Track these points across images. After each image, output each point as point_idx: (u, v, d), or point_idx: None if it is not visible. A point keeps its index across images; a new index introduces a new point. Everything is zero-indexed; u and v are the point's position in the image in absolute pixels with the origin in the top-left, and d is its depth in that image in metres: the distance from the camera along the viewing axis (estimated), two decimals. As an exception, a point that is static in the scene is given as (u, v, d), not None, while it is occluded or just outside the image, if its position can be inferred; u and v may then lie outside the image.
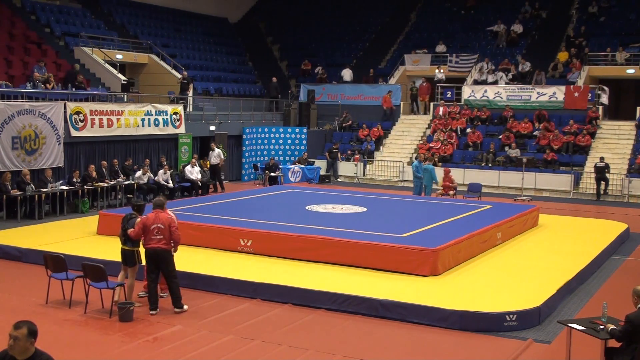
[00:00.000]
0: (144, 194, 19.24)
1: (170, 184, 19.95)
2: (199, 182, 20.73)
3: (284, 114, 28.88)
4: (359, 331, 8.98)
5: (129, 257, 9.74)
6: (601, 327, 7.11)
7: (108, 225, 13.48)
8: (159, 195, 13.20)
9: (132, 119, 20.60)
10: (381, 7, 36.13)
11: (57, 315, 9.39)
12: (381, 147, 27.30)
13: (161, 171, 19.97)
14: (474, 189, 20.23)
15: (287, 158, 26.63)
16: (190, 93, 25.68)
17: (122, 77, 23.64)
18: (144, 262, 9.74)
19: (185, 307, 9.59)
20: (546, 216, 17.18)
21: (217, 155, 22.37)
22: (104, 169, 19.08)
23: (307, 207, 15.65)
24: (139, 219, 9.64)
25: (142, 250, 9.73)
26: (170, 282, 9.56)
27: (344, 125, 28.94)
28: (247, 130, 25.90)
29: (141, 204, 10.16)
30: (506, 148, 24.69)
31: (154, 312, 9.49)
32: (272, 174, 24.27)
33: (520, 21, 31.49)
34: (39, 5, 25.57)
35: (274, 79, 30.10)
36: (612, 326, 6.90)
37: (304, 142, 27.13)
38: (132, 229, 9.55)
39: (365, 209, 15.57)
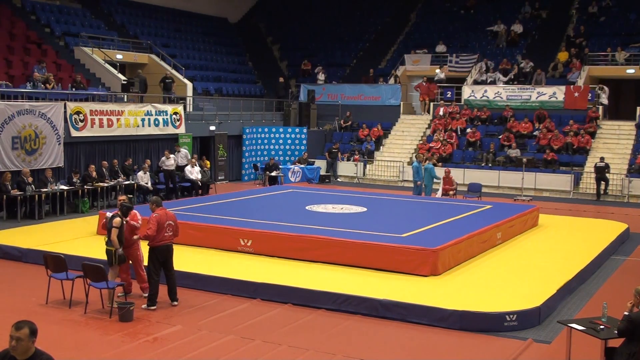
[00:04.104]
0: (143, 194, 19.25)
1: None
2: (199, 182, 20.72)
3: (284, 114, 28.88)
4: (359, 331, 8.98)
5: (108, 257, 9.84)
6: (601, 327, 7.11)
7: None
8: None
9: (132, 119, 20.61)
10: (381, 7, 36.13)
11: (57, 315, 9.40)
12: (381, 147, 27.30)
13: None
14: (474, 189, 20.23)
15: (287, 158, 26.63)
16: (190, 92, 25.70)
17: (122, 77, 23.64)
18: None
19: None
20: (546, 216, 17.18)
21: (184, 156, 21.27)
22: (104, 169, 19.07)
23: (307, 207, 15.65)
24: (115, 219, 9.79)
25: (122, 249, 9.88)
26: (172, 275, 9.85)
27: (344, 125, 28.95)
28: (247, 130, 25.90)
29: (129, 207, 10.10)
30: (506, 148, 24.69)
31: (153, 307, 9.62)
32: (272, 174, 24.27)
33: (520, 21, 31.47)
34: (39, 5, 25.57)
35: (281, 79, 30.13)
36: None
37: (304, 142, 27.13)
38: (149, 229, 9.60)
39: (365, 209, 15.57)
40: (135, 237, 9.97)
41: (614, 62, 27.20)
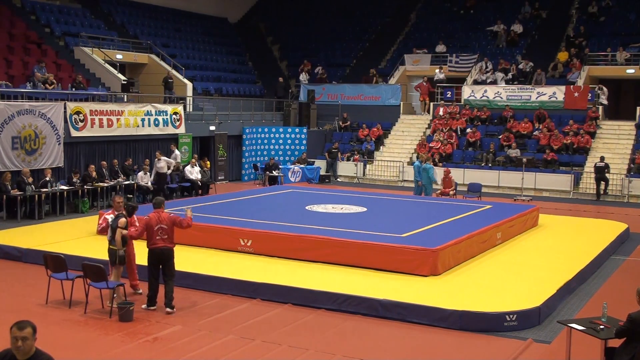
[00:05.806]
0: (143, 194, 19.24)
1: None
2: (199, 182, 20.71)
3: (284, 114, 28.89)
4: (359, 331, 8.98)
5: (111, 256, 9.82)
6: (601, 327, 7.11)
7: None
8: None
9: (132, 119, 20.61)
10: (381, 7, 36.13)
11: (57, 315, 9.40)
12: (381, 147, 27.30)
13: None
14: (474, 189, 20.22)
15: (287, 158, 26.63)
16: (190, 92, 25.70)
17: (122, 77, 23.65)
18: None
19: (175, 309, 9.57)
20: (546, 216, 17.18)
21: (173, 158, 20.81)
22: (104, 169, 19.07)
23: (307, 207, 15.64)
24: (120, 219, 9.80)
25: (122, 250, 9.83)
26: (170, 280, 9.60)
27: (344, 125, 28.95)
28: (247, 130, 25.90)
29: (134, 206, 10.28)
30: (506, 148, 24.69)
31: (153, 307, 9.59)
32: (272, 174, 24.26)
33: (520, 21, 31.48)
34: (39, 5, 25.57)
35: (281, 79, 30.13)
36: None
37: (304, 142, 27.13)
38: (134, 229, 9.64)
39: (365, 209, 15.56)
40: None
41: (614, 62, 27.20)
